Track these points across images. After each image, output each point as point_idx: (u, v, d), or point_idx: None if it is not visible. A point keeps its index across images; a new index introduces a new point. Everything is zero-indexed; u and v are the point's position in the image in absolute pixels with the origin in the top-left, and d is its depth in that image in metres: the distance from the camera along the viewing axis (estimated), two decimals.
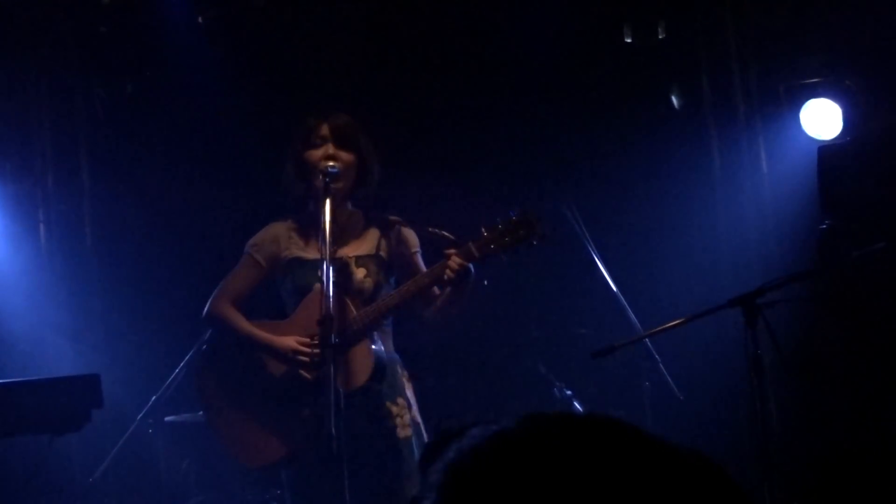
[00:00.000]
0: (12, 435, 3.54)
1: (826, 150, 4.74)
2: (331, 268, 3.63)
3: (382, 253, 3.92)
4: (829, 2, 5.19)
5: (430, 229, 3.89)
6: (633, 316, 4.77)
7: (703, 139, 5.56)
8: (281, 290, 3.97)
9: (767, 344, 3.65)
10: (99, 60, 5.82)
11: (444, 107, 5.82)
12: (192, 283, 4.60)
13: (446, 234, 3.79)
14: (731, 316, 3.69)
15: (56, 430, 3.46)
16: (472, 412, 5.18)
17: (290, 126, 4.02)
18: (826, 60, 5.13)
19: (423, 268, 3.87)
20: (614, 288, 4.85)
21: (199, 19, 5.81)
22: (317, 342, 3.71)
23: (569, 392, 5.01)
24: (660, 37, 5.59)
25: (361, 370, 3.73)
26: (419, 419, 3.88)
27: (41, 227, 5.59)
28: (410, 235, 3.96)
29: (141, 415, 5.08)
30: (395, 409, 3.79)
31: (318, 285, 3.73)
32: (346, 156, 3.84)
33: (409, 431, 3.79)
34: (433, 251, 3.85)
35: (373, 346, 3.79)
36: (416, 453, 3.75)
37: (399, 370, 3.90)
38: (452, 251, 3.69)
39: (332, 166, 3.78)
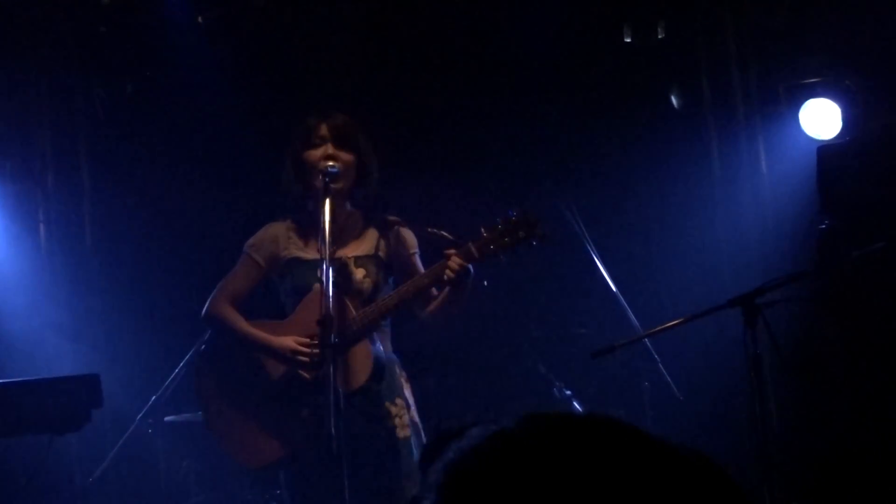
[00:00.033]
0: (12, 435, 3.54)
1: (825, 150, 4.75)
2: (330, 268, 3.62)
3: (381, 253, 3.92)
4: (828, 2, 5.19)
5: (429, 229, 3.89)
6: (632, 316, 4.78)
7: (703, 139, 5.57)
8: (279, 290, 3.97)
9: (767, 344, 3.65)
10: (99, 60, 5.82)
11: (444, 107, 5.82)
12: (192, 283, 4.60)
13: (446, 234, 3.79)
14: (731, 316, 3.69)
15: (56, 430, 3.46)
16: (472, 412, 5.17)
17: (290, 126, 4.02)
18: (825, 60, 5.14)
19: (421, 269, 3.86)
20: (614, 288, 4.85)
21: (199, 19, 5.81)
22: (316, 342, 3.71)
23: (568, 392, 5.01)
24: (659, 37, 5.59)
25: (361, 370, 3.73)
26: (417, 419, 3.88)
27: (41, 227, 5.59)
28: (409, 236, 3.96)
29: (141, 415, 5.08)
30: (394, 410, 3.79)
31: (317, 285, 3.73)
32: (345, 156, 3.83)
33: (408, 432, 3.79)
34: (433, 251, 3.85)
35: (372, 347, 3.79)
36: (416, 454, 3.75)
37: (397, 370, 3.89)
38: (452, 251, 3.68)
39: (332, 166, 3.78)
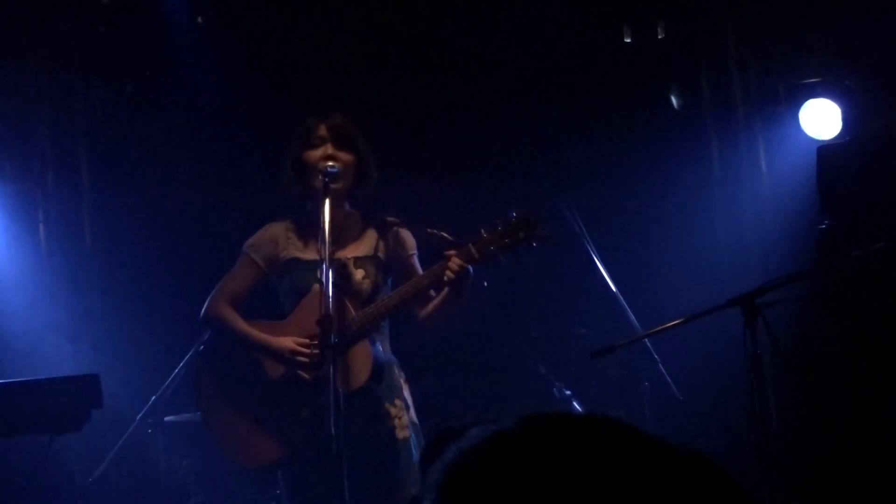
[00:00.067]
0: (12, 435, 3.54)
1: (825, 150, 4.74)
2: (330, 268, 3.62)
3: (380, 254, 3.91)
4: (828, 2, 5.19)
5: (428, 230, 3.89)
6: (632, 316, 4.77)
7: (703, 139, 5.57)
8: (278, 290, 3.97)
9: (767, 344, 3.65)
10: (99, 60, 5.82)
11: (443, 107, 5.82)
12: (192, 283, 4.60)
13: (445, 235, 3.79)
14: (731, 316, 3.69)
15: (55, 430, 3.46)
16: (472, 412, 5.16)
17: (290, 126, 4.02)
18: (825, 60, 5.14)
19: (419, 270, 3.86)
20: (614, 288, 4.85)
21: (199, 19, 5.81)
22: (315, 343, 3.71)
23: (568, 392, 5.01)
24: (659, 37, 5.59)
25: (361, 371, 3.73)
26: (416, 420, 3.88)
27: (41, 227, 5.59)
28: (408, 237, 3.95)
29: (140, 415, 5.08)
30: (393, 411, 3.79)
31: (316, 286, 3.73)
32: (345, 156, 3.83)
33: (407, 433, 3.79)
34: (432, 252, 3.85)
35: (371, 348, 3.79)
36: (415, 454, 3.75)
37: (396, 371, 3.89)
38: (452, 252, 3.68)
39: (332, 166, 3.77)
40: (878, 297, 4.63)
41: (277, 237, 3.95)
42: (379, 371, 3.78)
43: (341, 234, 3.86)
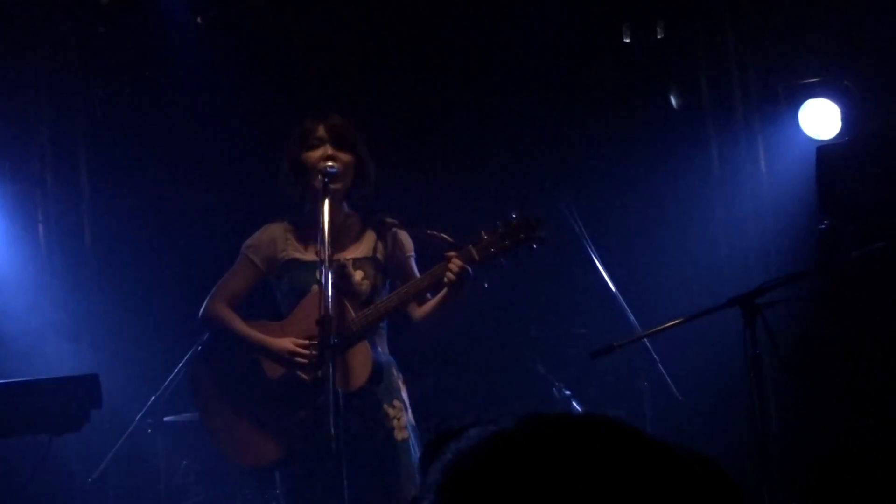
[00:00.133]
0: (12, 435, 3.53)
1: (825, 150, 4.74)
2: (329, 269, 3.62)
3: (379, 255, 3.91)
4: (828, 2, 5.19)
5: (428, 231, 3.88)
6: (632, 316, 4.77)
7: (702, 139, 5.57)
8: (277, 291, 3.97)
9: (766, 344, 3.65)
10: (98, 60, 5.82)
11: (443, 107, 5.82)
12: (192, 283, 4.59)
13: (445, 236, 3.79)
14: (731, 316, 3.69)
15: (55, 430, 3.46)
16: (472, 412, 5.17)
17: (289, 126, 4.02)
18: (825, 60, 5.13)
19: (416, 272, 3.86)
20: (613, 288, 4.84)
21: (199, 19, 5.81)
22: (314, 343, 3.70)
23: (568, 392, 5.01)
24: (659, 37, 5.59)
25: (361, 371, 3.73)
26: (413, 421, 3.88)
27: (40, 227, 5.59)
28: (406, 239, 3.95)
29: (140, 415, 5.08)
30: (391, 412, 3.79)
31: (315, 287, 3.72)
32: (344, 156, 3.83)
33: (406, 433, 3.79)
34: (432, 253, 3.85)
35: (370, 349, 3.79)
36: (414, 455, 3.75)
37: (395, 373, 3.89)
38: (453, 253, 3.68)
39: (332, 166, 3.77)
40: (877, 297, 4.63)
41: (276, 238, 3.95)
42: (378, 372, 3.78)
43: (340, 235, 3.86)
